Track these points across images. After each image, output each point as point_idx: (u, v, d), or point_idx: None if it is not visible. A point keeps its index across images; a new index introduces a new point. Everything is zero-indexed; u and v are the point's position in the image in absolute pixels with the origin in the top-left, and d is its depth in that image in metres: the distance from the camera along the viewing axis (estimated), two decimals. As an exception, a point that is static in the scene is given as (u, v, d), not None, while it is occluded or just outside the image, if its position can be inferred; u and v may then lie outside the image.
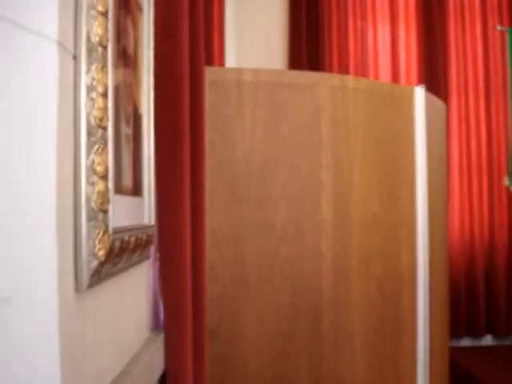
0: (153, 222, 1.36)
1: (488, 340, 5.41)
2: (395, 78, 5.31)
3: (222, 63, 3.72)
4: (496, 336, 5.38)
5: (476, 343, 5.36)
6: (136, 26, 1.28)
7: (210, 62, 2.90)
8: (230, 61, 4.41)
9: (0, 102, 0.75)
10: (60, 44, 0.79)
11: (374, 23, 5.31)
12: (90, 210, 0.87)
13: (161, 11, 1.41)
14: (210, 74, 1.93)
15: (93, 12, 0.90)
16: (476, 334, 5.34)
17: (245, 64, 4.45)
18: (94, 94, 0.89)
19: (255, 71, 2.14)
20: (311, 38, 5.07)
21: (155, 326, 1.44)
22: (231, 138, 2.12)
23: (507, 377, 4.32)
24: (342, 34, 5.19)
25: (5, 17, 0.75)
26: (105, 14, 0.93)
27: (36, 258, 0.76)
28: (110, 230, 0.94)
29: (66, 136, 0.82)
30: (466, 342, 5.35)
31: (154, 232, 1.37)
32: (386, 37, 5.33)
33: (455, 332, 5.22)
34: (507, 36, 5.17)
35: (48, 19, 0.78)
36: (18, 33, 0.76)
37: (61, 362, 0.78)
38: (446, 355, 2.98)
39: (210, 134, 1.90)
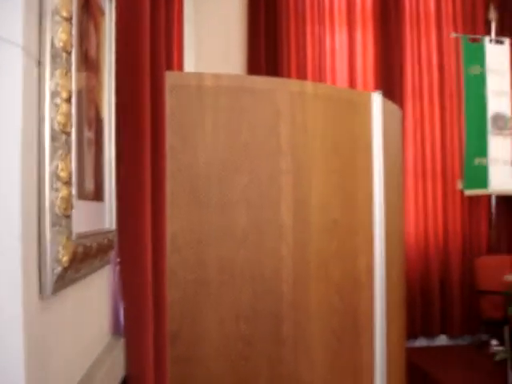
0: (114, 226, 1.35)
1: (442, 340, 5.55)
2: (352, 82, 5.38)
3: (180, 68, 3.72)
4: (450, 336, 5.53)
5: (431, 343, 5.50)
6: (98, 29, 1.28)
7: (169, 67, 2.89)
8: (189, 66, 4.40)
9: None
10: (25, 49, 0.79)
11: (332, 28, 5.38)
12: (53, 216, 0.87)
13: (122, 15, 1.41)
14: (170, 78, 1.93)
15: (57, 18, 0.90)
16: (431, 334, 5.48)
17: (203, 69, 4.46)
18: (57, 100, 0.89)
19: (216, 76, 2.15)
20: (269, 43, 5.11)
21: (116, 331, 1.43)
22: (192, 143, 2.12)
23: (460, 375, 4.44)
24: (300, 39, 5.23)
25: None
26: (69, 20, 0.93)
27: (1, 267, 0.76)
28: (74, 236, 0.94)
29: (30, 141, 0.82)
30: (421, 342, 5.48)
31: (115, 237, 1.36)
32: (343, 42, 5.40)
33: (411, 332, 5.33)
34: (461, 43, 5.31)
35: (13, 25, 0.78)
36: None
37: (25, 366, 0.78)
38: (402, 356, 3.05)
39: (170, 139, 1.91)
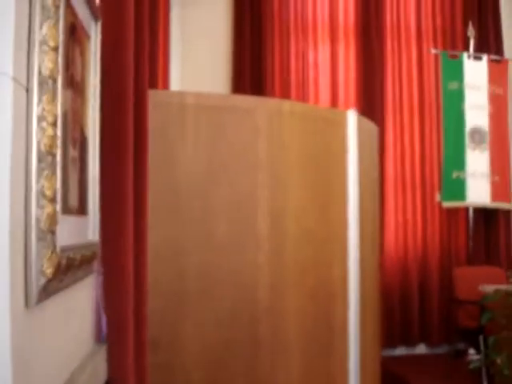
0: (97, 238, 1.42)
1: (421, 349, 5.63)
2: (334, 96, 5.47)
3: (166, 86, 3.79)
4: (429, 345, 5.61)
5: (410, 352, 5.57)
6: (83, 53, 1.35)
7: (154, 85, 2.96)
8: (175, 84, 4.47)
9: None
10: (15, 79, 0.87)
11: (315, 43, 5.47)
12: (39, 231, 0.94)
13: (107, 37, 1.48)
14: (153, 96, 2.00)
15: (44, 47, 0.97)
16: (410, 343, 5.55)
17: (189, 87, 4.53)
18: (44, 124, 0.96)
19: (197, 95, 2.24)
20: (254, 60, 5.19)
21: (98, 339, 1.49)
22: (174, 158, 2.20)
23: (437, 382, 4.52)
24: (284, 53, 5.32)
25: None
26: (56, 49, 1.00)
27: (-10, 276, 0.83)
28: (58, 250, 1.01)
29: (18, 162, 0.89)
30: (400, 351, 5.55)
31: (98, 248, 1.43)
32: (326, 56, 5.49)
33: (390, 341, 5.42)
34: (441, 59, 5.42)
35: (4, 57, 0.85)
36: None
37: (12, 371, 0.84)
38: (377, 361, 3.13)
39: (153, 153, 1.97)
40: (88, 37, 1.40)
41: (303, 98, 5.33)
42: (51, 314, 1.07)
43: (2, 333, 0.83)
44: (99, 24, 1.46)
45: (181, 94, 2.24)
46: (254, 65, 5.19)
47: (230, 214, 2.29)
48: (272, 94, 5.11)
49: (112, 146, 1.44)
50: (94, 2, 1.38)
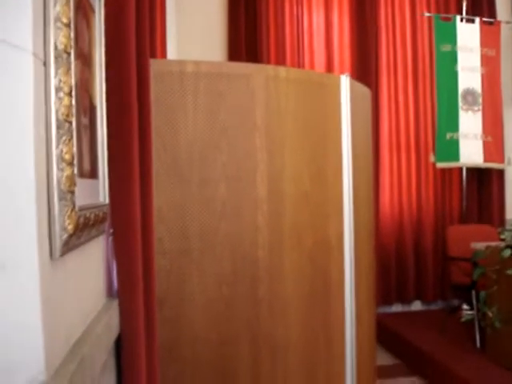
0: (107, 200, 1.52)
1: (417, 305, 5.81)
2: (329, 61, 5.51)
3: (164, 56, 3.84)
4: (424, 302, 5.79)
5: (406, 308, 5.75)
6: (90, 26, 1.44)
7: (153, 55, 3.03)
8: (172, 54, 4.51)
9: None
10: (34, 54, 0.96)
11: (309, 9, 5.49)
12: (60, 192, 1.05)
13: (110, 11, 1.56)
14: (154, 65, 2.09)
15: (58, 24, 1.06)
16: (406, 300, 5.73)
17: (186, 56, 4.57)
18: (61, 94, 1.06)
19: (196, 63, 2.31)
20: (249, 27, 5.21)
21: (110, 294, 1.59)
22: (175, 124, 2.29)
23: (432, 337, 4.69)
24: (279, 19, 5.34)
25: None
26: (68, 25, 1.09)
27: (21, 231, 0.93)
28: (77, 208, 1.12)
29: (40, 129, 0.99)
30: (396, 308, 5.73)
31: (108, 209, 1.53)
32: (320, 22, 5.52)
33: (387, 299, 5.59)
34: (433, 22, 5.46)
35: (25, 34, 0.94)
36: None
37: (42, 317, 0.94)
38: (373, 316, 3.26)
39: (155, 121, 2.06)
40: (93, 10, 1.48)
41: (298, 64, 5.37)
42: (71, 268, 1.17)
43: (32, 281, 0.92)
44: (102, -1, 1.54)
45: (180, 63, 2.31)
46: (249, 32, 5.23)
47: (229, 177, 2.38)
48: (267, 61, 5.16)
49: (118, 113, 1.53)
50: (98, -22, 1.45)
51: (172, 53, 4.52)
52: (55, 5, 1.05)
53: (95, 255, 1.47)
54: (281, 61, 5.27)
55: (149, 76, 1.75)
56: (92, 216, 1.28)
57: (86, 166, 1.32)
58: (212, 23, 5.29)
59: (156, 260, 1.76)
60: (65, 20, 1.08)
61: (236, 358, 2.40)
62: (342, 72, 5.15)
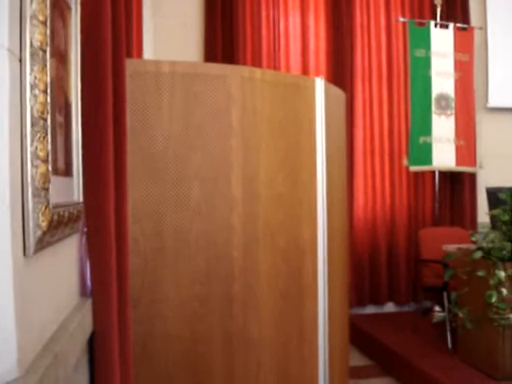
0: (81, 199, 1.52)
1: (390, 307, 5.86)
2: (305, 65, 5.54)
3: (140, 55, 3.83)
4: (397, 304, 5.85)
5: (379, 310, 5.80)
6: (66, 24, 1.44)
7: (129, 55, 3.02)
8: (148, 54, 4.50)
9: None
10: (10, 51, 0.96)
11: (286, 12, 5.51)
12: (34, 189, 1.05)
13: (86, 8, 1.56)
14: (130, 65, 2.09)
15: (34, 21, 1.06)
16: (379, 302, 5.78)
17: (162, 57, 4.57)
18: (36, 91, 1.06)
19: (172, 63, 2.32)
20: (226, 29, 5.21)
21: (83, 293, 1.59)
22: (150, 124, 2.30)
23: (404, 338, 4.74)
24: (256, 22, 5.35)
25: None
26: (44, 23, 1.09)
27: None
28: (51, 205, 1.12)
29: (15, 126, 0.99)
30: (370, 310, 5.78)
31: (82, 208, 1.53)
32: (296, 25, 5.55)
33: (360, 300, 5.64)
34: (408, 27, 5.53)
35: (1, 31, 0.95)
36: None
37: (14, 313, 0.94)
38: (345, 314, 3.30)
39: (131, 120, 2.06)
40: (69, 8, 1.48)
41: (274, 66, 5.40)
42: (45, 266, 1.17)
43: (5, 277, 0.92)
44: (78, -5, 1.54)
45: (156, 63, 2.32)
46: (226, 34, 5.23)
47: (203, 177, 2.39)
48: (243, 63, 5.17)
49: (93, 112, 1.53)
50: (74, -24, 1.46)
51: (148, 53, 4.51)
52: (32, 2, 1.05)
53: (69, 254, 1.47)
54: (257, 63, 5.28)
55: (124, 75, 1.75)
56: (66, 214, 1.28)
57: (61, 163, 1.32)
58: (188, 24, 5.29)
59: (130, 259, 1.76)
60: (41, 17, 1.08)
61: (209, 356, 2.41)
62: (317, 75, 5.19)
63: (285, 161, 2.65)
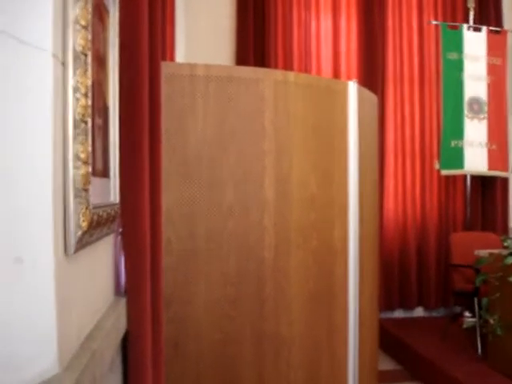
0: (117, 200, 1.55)
1: (419, 312, 5.81)
2: (336, 67, 5.53)
3: (173, 58, 3.86)
4: (426, 308, 5.79)
5: (408, 315, 5.76)
6: (105, 28, 1.47)
7: (163, 58, 3.05)
8: (180, 56, 4.53)
9: (5, 101, 0.93)
10: (54, 55, 0.99)
11: (317, 14, 5.51)
12: (75, 190, 1.07)
13: (124, 14, 1.59)
14: (165, 68, 2.12)
15: (77, 26, 1.09)
16: (408, 306, 5.73)
17: (193, 60, 4.60)
18: (78, 95, 1.08)
19: (206, 66, 2.34)
20: (258, 32, 5.22)
21: (117, 292, 1.62)
22: (184, 127, 2.32)
23: (433, 343, 4.70)
24: (287, 24, 5.36)
25: (12, 35, 0.94)
26: (86, 27, 1.12)
27: (37, 227, 0.95)
28: (91, 206, 1.14)
29: (57, 128, 1.01)
30: (399, 314, 5.74)
31: (118, 209, 1.55)
32: (328, 28, 5.54)
33: (389, 305, 5.60)
34: (440, 30, 5.49)
35: (45, 36, 0.97)
36: (20, 47, 0.95)
37: (56, 311, 0.96)
38: (375, 317, 3.28)
39: (165, 123, 2.09)
40: (107, 12, 1.51)
41: (305, 69, 5.40)
42: (83, 265, 1.19)
43: (47, 276, 0.95)
44: (117, 1, 1.57)
45: (190, 66, 2.34)
46: (257, 37, 5.25)
47: (237, 180, 2.41)
48: (275, 66, 5.19)
49: (130, 115, 1.56)
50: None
51: (180, 56, 4.55)
52: (74, 7, 1.08)
53: (105, 253, 1.49)
54: (288, 66, 5.29)
55: (160, 78, 1.77)
56: (104, 214, 1.31)
57: (99, 165, 1.35)
58: (220, 27, 5.31)
59: (163, 259, 1.78)
60: (83, 22, 1.11)
61: (240, 357, 2.43)
62: (348, 78, 5.18)
63: (317, 163, 2.66)
